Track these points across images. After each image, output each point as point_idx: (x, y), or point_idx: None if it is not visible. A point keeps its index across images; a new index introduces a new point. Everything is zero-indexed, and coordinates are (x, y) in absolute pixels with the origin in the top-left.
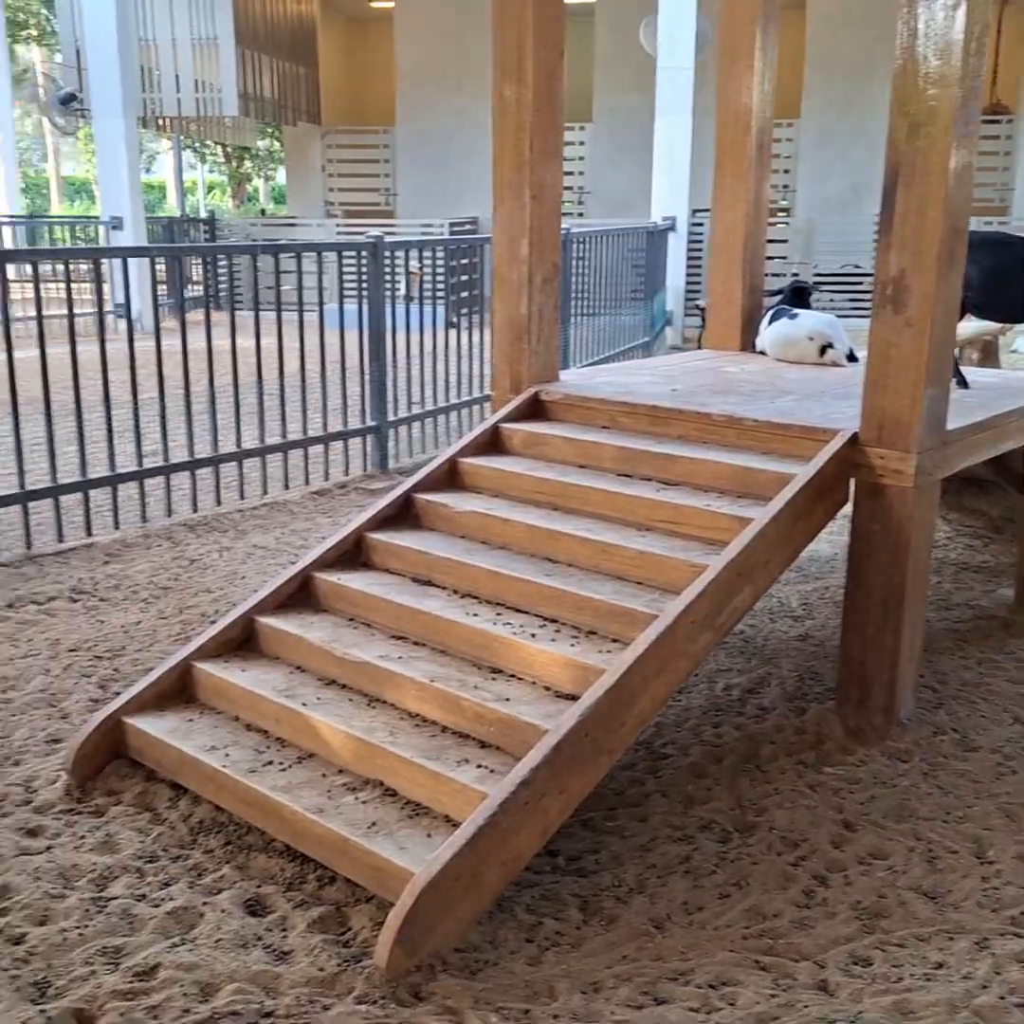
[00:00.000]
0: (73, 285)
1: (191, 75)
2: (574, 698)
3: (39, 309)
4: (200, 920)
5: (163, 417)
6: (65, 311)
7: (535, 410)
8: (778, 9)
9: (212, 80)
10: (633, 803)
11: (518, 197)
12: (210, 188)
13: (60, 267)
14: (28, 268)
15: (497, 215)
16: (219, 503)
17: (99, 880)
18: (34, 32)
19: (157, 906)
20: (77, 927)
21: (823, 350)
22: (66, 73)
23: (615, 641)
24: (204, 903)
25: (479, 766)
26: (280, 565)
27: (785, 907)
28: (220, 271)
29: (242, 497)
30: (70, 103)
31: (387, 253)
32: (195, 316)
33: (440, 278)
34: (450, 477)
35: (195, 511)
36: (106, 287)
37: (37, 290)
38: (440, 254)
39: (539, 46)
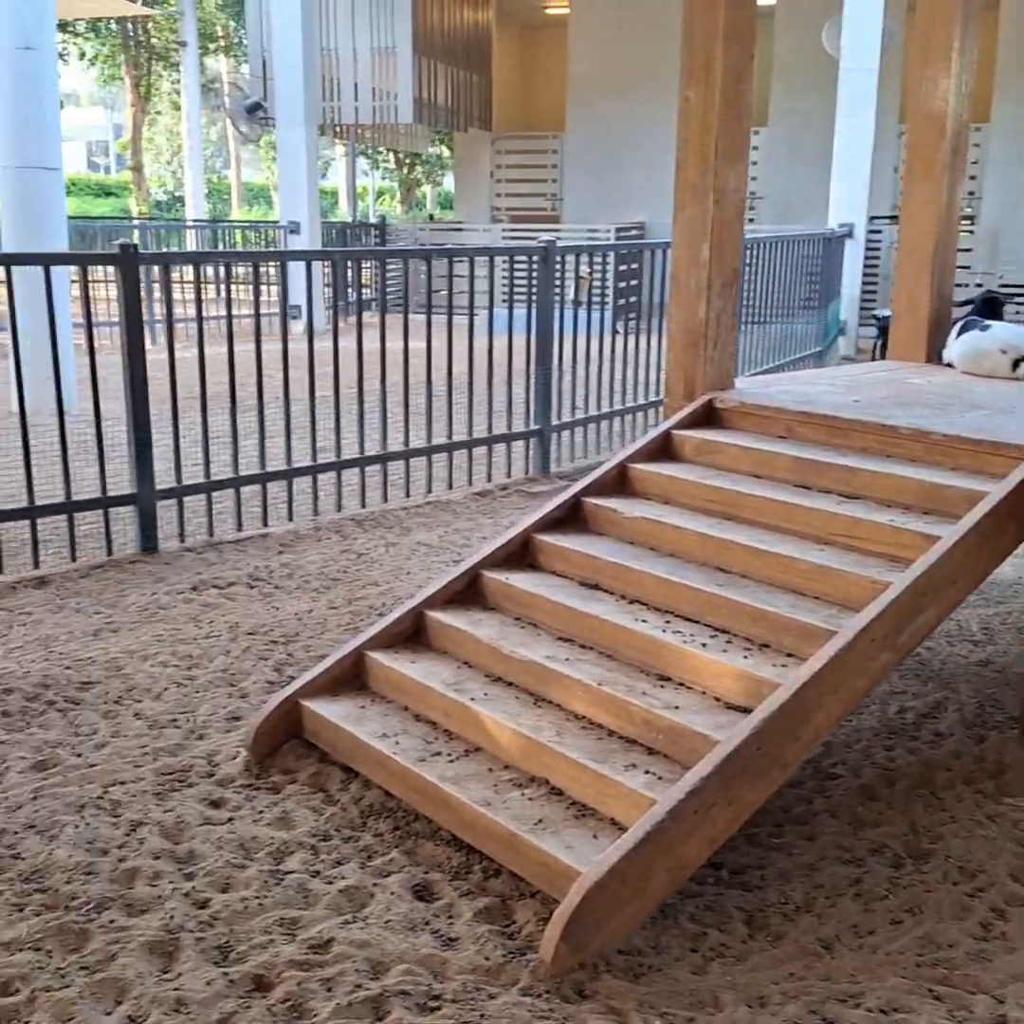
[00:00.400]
0: (246, 287)
1: (369, 84)
2: (745, 710)
3: (229, 309)
4: (370, 900)
5: (337, 415)
6: (242, 311)
7: (709, 417)
8: (978, 10)
9: (389, 88)
10: (800, 821)
11: (701, 201)
12: (380, 194)
13: (240, 269)
14: (209, 270)
15: (678, 219)
16: (386, 500)
17: (276, 854)
18: (223, 44)
19: (330, 883)
20: (256, 897)
21: (1017, 364)
22: (252, 83)
23: (790, 656)
24: (374, 884)
25: (647, 772)
26: (443, 562)
27: (961, 938)
28: (391, 275)
29: (407, 495)
30: (255, 112)
31: (557, 257)
32: (365, 318)
33: (608, 283)
34: (619, 482)
35: (363, 506)
36: (274, 288)
37: (228, 291)
38: (609, 259)
39: (729, 49)
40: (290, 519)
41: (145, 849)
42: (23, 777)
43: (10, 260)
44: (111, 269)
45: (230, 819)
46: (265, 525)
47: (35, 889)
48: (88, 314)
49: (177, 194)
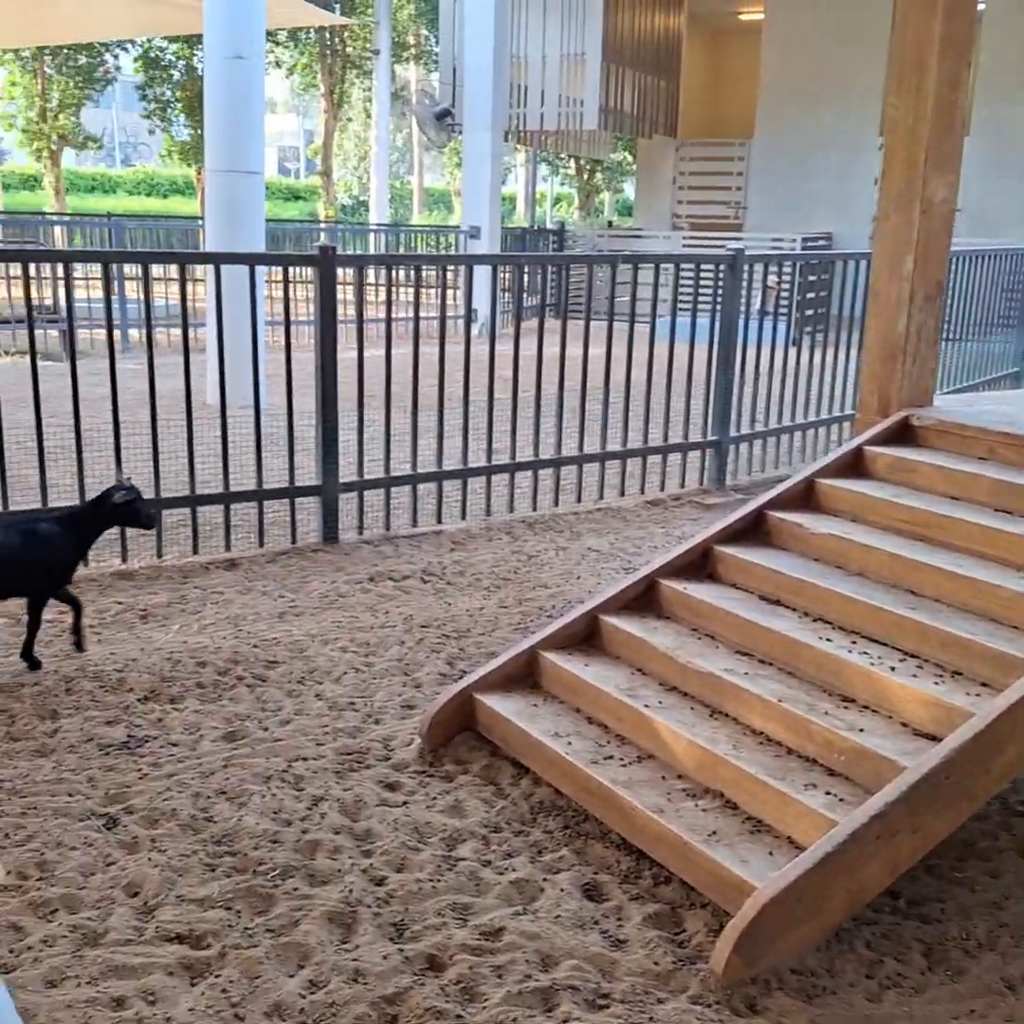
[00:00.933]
0: (423, 290)
1: (556, 90)
2: (933, 738)
3: (417, 311)
4: (540, 894)
5: (513, 418)
6: (426, 314)
7: (903, 434)
8: None
9: (575, 94)
10: (984, 856)
11: (906, 212)
12: (557, 200)
13: (417, 273)
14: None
15: (880, 229)
16: (557, 504)
17: (449, 841)
18: (414, 52)
19: (501, 874)
20: (430, 880)
21: None
22: (442, 90)
23: (984, 685)
24: (544, 879)
25: (827, 792)
26: (613, 569)
27: None
28: (571, 280)
29: (579, 500)
30: (444, 118)
31: (745, 266)
32: (542, 323)
33: (793, 294)
34: (806, 496)
35: (534, 509)
36: (449, 292)
37: (417, 293)
38: (796, 268)
39: (943, 57)
40: (463, 518)
41: (326, 823)
42: (215, 746)
43: (219, 259)
44: (306, 270)
45: (405, 803)
46: (439, 522)
47: (225, 852)
48: (288, 313)
49: (361, 199)
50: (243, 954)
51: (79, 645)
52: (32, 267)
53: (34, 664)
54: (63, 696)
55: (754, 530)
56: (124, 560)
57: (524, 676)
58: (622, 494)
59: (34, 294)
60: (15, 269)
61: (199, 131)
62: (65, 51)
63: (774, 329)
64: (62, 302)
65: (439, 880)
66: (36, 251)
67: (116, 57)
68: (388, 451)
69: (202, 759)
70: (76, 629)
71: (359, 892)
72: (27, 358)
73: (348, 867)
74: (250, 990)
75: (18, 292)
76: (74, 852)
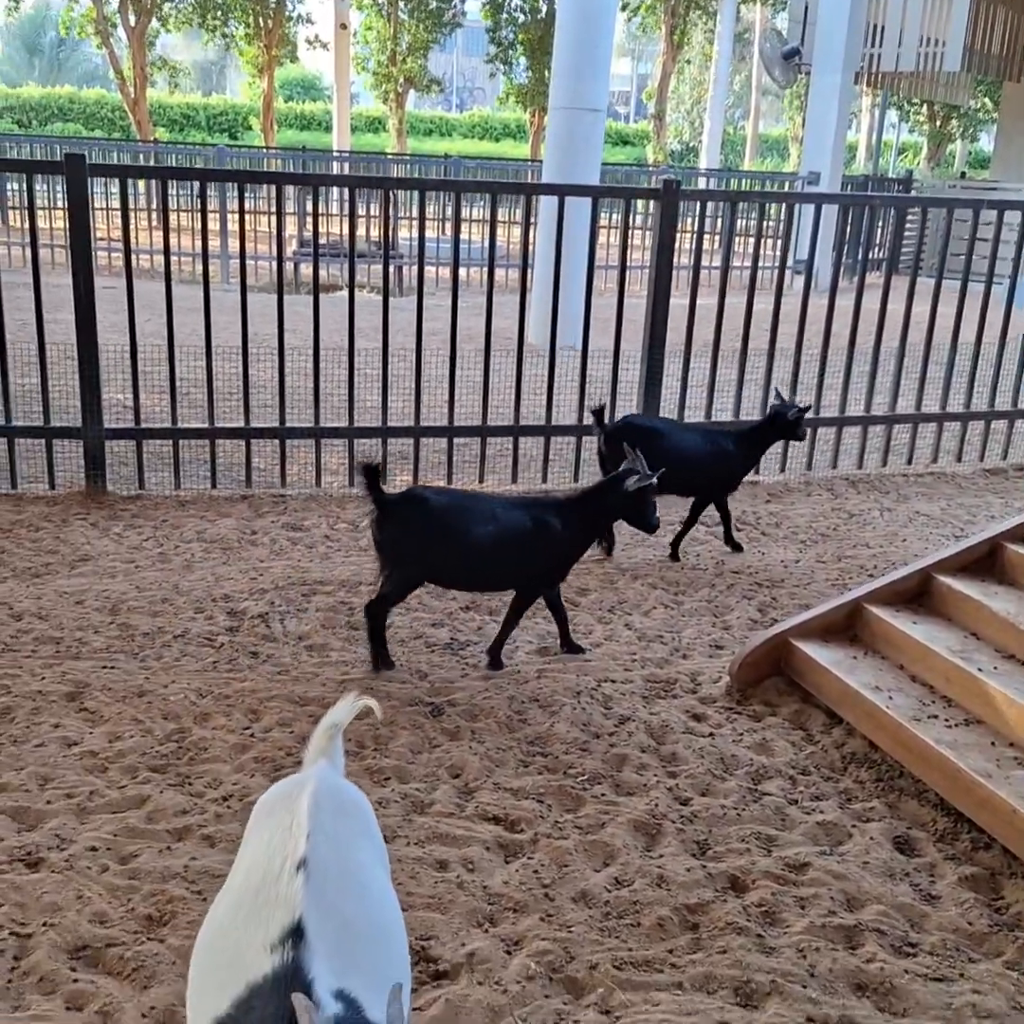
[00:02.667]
0: (751, 238)
1: (916, 29)
2: None
3: (757, 251)
4: (848, 839)
5: (846, 373)
6: (758, 262)
7: None
8: None
9: (937, 34)
10: None
11: None
12: (902, 150)
13: (761, 211)
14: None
15: None
16: (884, 464)
17: (755, 775)
18: None
19: (808, 814)
20: (735, 808)
21: None
22: (791, 28)
23: None
24: (852, 826)
25: None
26: (944, 536)
27: None
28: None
29: (909, 462)
30: (792, 58)
31: None
32: (888, 277)
33: None
34: None
35: (859, 467)
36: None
37: (760, 231)
38: None
39: None
40: (782, 471)
41: (633, 741)
42: (529, 658)
43: (563, 191)
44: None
45: (711, 734)
46: (756, 473)
47: (538, 752)
48: (624, 254)
49: (691, 144)
50: (554, 843)
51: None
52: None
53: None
54: None
55: None
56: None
57: (844, 628)
58: (959, 460)
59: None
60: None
61: (538, 74)
62: None
63: None
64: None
65: (744, 809)
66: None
67: (463, 2)
68: (711, 398)
69: (520, 669)
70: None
71: (664, 807)
72: (369, 293)
73: (654, 783)
74: (559, 875)
75: (370, 229)
76: (404, 732)
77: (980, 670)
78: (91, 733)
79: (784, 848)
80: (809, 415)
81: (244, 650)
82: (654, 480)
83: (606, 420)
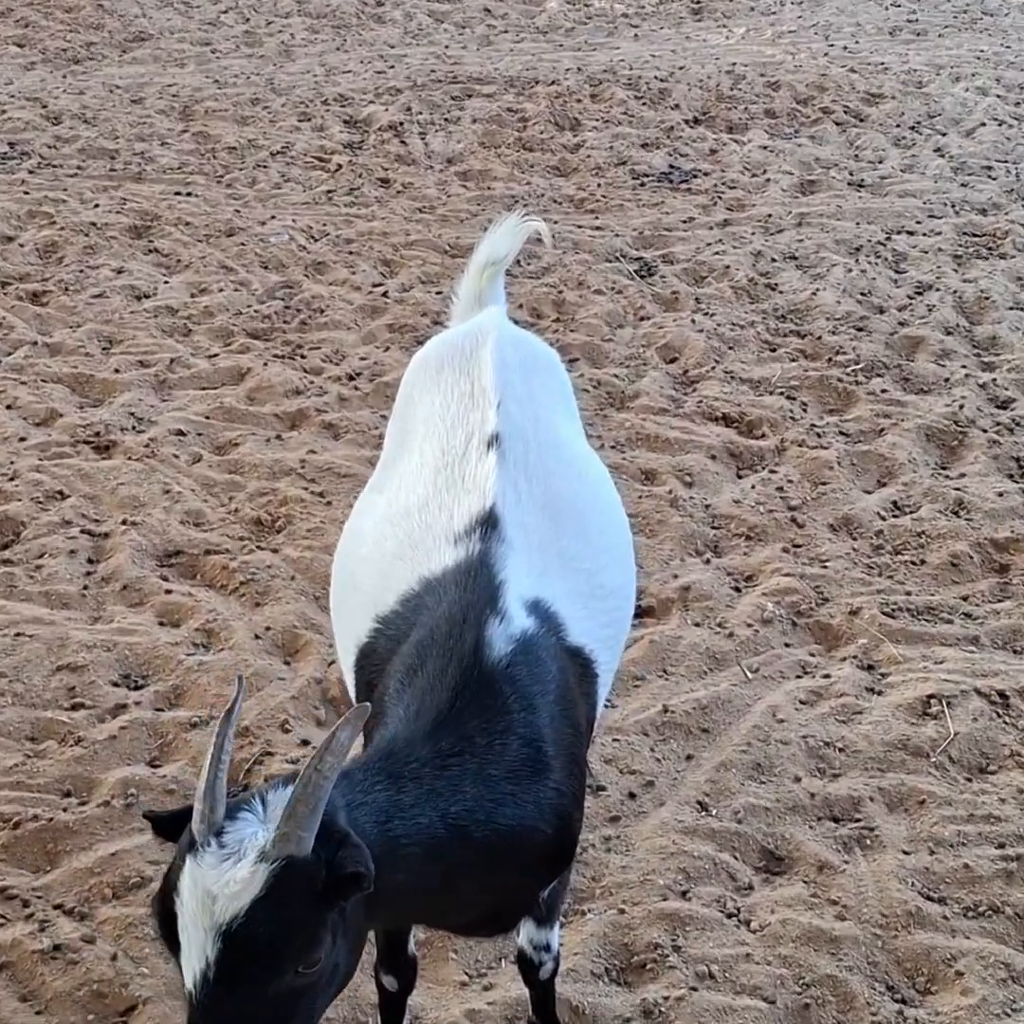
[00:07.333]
0: None
1: None
2: None
3: None
4: None
5: None
6: None
7: None
8: None
9: None
10: None
11: None
12: None
13: None
14: None
15: None
16: None
17: None
18: None
19: None
20: None
21: None
22: None
23: None
24: None
25: None
26: None
27: None
28: None
29: None
30: None
31: None
32: None
33: None
34: None
35: None
36: None
37: None
38: None
39: None
40: None
41: (933, 319)
42: (785, 197)
43: None
44: None
45: None
46: None
47: (792, 330)
48: None
49: None
50: (808, 453)
51: None
52: None
53: None
54: (587, 103)
55: None
56: None
57: None
58: None
59: None
60: None
61: None
62: None
63: None
64: None
65: None
66: None
67: None
68: None
69: (773, 209)
70: None
71: (972, 410)
72: None
73: (960, 378)
74: (813, 495)
75: None
76: (599, 297)
77: None
78: (167, 283)
79: None
80: None
81: (370, 176)
82: None
83: None
